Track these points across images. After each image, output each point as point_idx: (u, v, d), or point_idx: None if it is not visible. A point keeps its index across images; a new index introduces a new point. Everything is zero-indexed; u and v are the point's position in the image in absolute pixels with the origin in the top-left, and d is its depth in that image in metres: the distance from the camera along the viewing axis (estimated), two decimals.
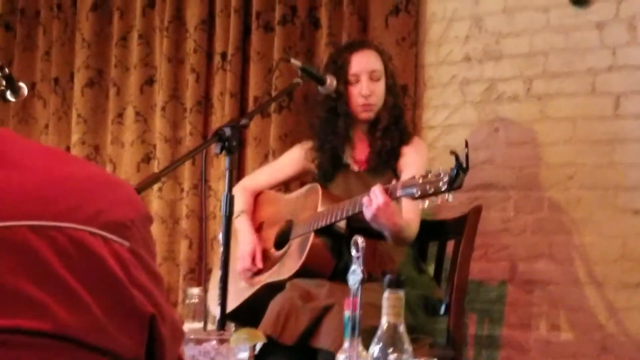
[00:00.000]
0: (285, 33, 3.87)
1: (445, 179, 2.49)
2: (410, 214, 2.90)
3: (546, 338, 3.39)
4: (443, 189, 2.51)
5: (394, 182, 2.74)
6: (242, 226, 3.22)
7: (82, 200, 0.97)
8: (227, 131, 2.45)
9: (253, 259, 3.16)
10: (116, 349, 0.97)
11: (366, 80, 3.13)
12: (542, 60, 3.46)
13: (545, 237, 3.43)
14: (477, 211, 3.19)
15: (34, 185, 0.94)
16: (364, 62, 3.15)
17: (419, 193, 2.57)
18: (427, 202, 2.59)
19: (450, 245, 3.24)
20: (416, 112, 3.70)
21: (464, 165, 2.45)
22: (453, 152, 2.49)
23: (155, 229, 3.99)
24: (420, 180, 2.58)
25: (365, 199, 2.74)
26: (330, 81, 3.02)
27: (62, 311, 0.92)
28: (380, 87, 3.15)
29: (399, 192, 2.67)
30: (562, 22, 3.42)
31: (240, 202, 3.17)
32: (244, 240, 3.19)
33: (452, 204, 3.54)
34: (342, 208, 2.90)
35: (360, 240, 1.66)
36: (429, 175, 2.56)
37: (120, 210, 1.00)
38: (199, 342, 1.45)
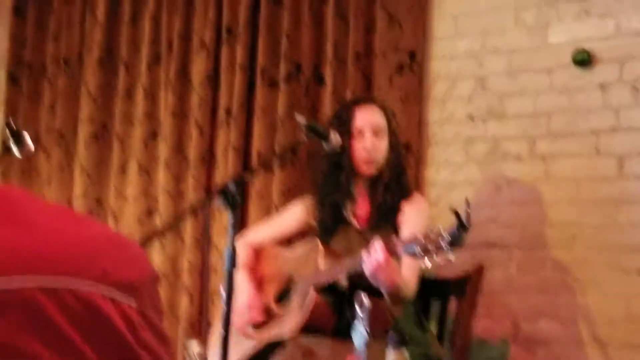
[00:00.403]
0: (290, 89, 3.89)
1: (447, 237, 2.49)
2: (408, 273, 2.88)
3: None
4: (444, 248, 2.50)
5: (394, 238, 2.73)
6: (240, 280, 3.20)
7: (91, 259, 0.97)
8: (231, 187, 2.46)
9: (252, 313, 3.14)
10: None
11: (370, 136, 3.14)
12: (545, 120, 3.48)
13: (548, 297, 3.41)
14: (479, 270, 3.17)
15: (44, 244, 0.95)
16: (368, 117, 3.16)
17: (420, 250, 2.57)
18: (427, 261, 2.58)
19: (452, 303, 3.22)
20: (419, 169, 3.71)
21: (465, 223, 2.45)
22: (454, 211, 2.49)
23: None
24: (422, 239, 2.57)
25: (364, 255, 2.73)
26: (335, 138, 3.02)
27: None
28: (383, 144, 3.16)
29: (399, 249, 2.66)
30: (565, 83, 3.45)
31: (241, 256, 3.16)
32: (242, 293, 3.17)
33: (455, 263, 3.54)
34: (343, 265, 2.88)
35: (365, 299, 1.65)
36: (430, 234, 2.56)
37: (129, 271, 1.00)
38: None
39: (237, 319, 3.13)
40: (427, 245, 2.54)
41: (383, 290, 2.83)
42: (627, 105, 3.33)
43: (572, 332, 3.35)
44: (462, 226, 2.45)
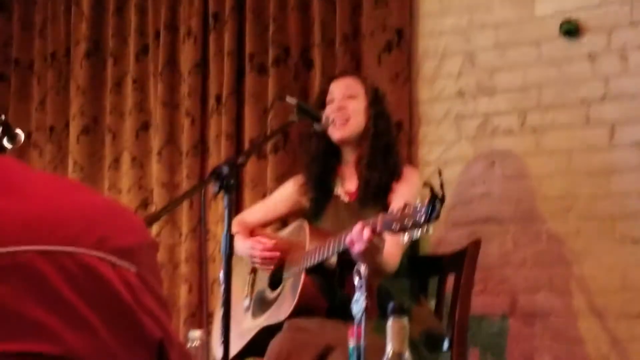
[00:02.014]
0: (279, 74, 3.89)
1: (423, 211, 2.49)
2: (391, 249, 2.89)
3: None
4: (421, 221, 2.50)
5: (373, 218, 2.73)
6: (237, 239, 3.13)
7: (89, 226, 0.97)
8: (225, 170, 2.46)
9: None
10: None
11: (340, 97, 3.14)
12: (535, 93, 3.49)
13: (544, 270, 3.42)
14: (476, 245, 3.18)
15: (41, 212, 0.95)
16: (341, 85, 3.18)
17: (398, 227, 2.57)
18: (406, 236, 2.59)
19: (450, 280, 3.22)
20: (412, 148, 3.71)
21: (440, 195, 2.46)
22: (427, 184, 2.50)
23: None
24: (399, 215, 2.58)
25: (348, 239, 2.73)
26: (325, 118, 3.03)
27: (71, 335, 0.92)
28: (355, 104, 3.14)
29: (379, 227, 2.66)
30: (554, 55, 3.45)
31: (236, 227, 3.17)
32: (243, 243, 3.17)
33: (451, 239, 3.56)
34: (328, 246, 2.89)
35: (363, 268, 1.66)
36: (407, 209, 2.57)
37: (127, 236, 1.00)
38: None
39: (252, 252, 3.14)
40: (404, 220, 2.55)
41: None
42: (616, 74, 3.33)
43: (569, 303, 3.37)
44: (437, 198, 2.46)
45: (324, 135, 3.15)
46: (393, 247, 2.89)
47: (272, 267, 3.18)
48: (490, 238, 3.49)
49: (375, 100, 3.19)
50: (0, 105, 4.63)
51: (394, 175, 3.11)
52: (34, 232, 0.93)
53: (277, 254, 3.15)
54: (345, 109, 3.11)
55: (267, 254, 3.16)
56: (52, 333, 0.91)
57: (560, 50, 3.44)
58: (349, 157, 3.19)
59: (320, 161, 3.20)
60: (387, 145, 3.15)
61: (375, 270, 2.82)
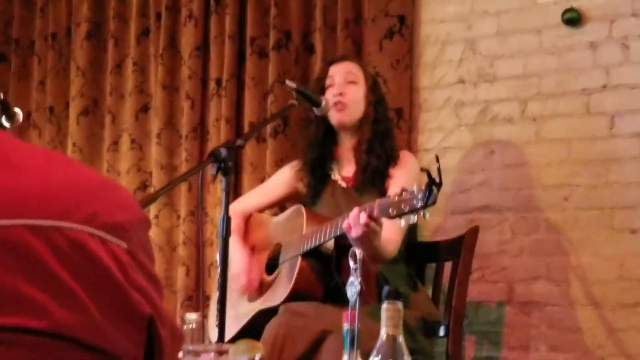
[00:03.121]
0: (279, 58, 3.88)
1: (420, 196, 2.49)
2: (390, 234, 2.88)
3: (545, 359, 3.38)
4: (418, 206, 2.50)
5: (370, 203, 2.73)
6: (232, 246, 3.19)
7: (79, 201, 0.96)
8: (223, 152, 2.45)
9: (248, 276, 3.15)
10: (114, 349, 0.97)
11: (340, 82, 3.14)
12: (536, 81, 3.48)
13: (542, 258, 3.42)
14: (474, 233, 3.18)
15: (31, 186, 0.94)
16: (340, 68, 3.17)
17: (395, 212, 2.57)
18: (403, 221, 2.59)
19: (447, 267, 3.23)
20: (411, 135, 3.71)
21: (437, 180, 2.46)
22: (424, 169, 2.50)
23: None
24: (396, 199, 2.58)
25: (345, 224, 2.73)
26: (325, 103, 3.02)
27: (59, 310, 0.91)
28: (355, 90, 3.14)
29: (376, 212, 2.66)
30: (555, 43, 3.44)
31: (232, 223, 3.17)
32: (236, 258, 3.17)
33: (449, 227, 3.56)
34: (325, 230, 2.89)
35: (358, 251, 1.65)
36: (404, 194, 2.56)
37: (118, 213, 0.99)
38: (197, 354, 1.44)
39: (234, 283, 3.14)
40: (401, 205, 2.55)
41: (364, 253, 2.84)
42: (617, 63, 3.32)
43: (566, 292, 3.37)
44: (434, 183, 2.46)
45: (322, 120, 3.15)
46: (392, 233, 2.89)
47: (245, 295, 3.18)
48: (489, 226, 3.49)
49: (374, 87, 3.19)
50: (0, 85, 4.62)
51: (391, 160, 3.11)
52: (23, 206, 0.92)
53: (255, 292, 3.15)
54: (345, 94, 3.11)
55: (248, 289, 3.15)
56: (39, 307, 0.90)
57: (562, 38, 3.43)
58: (347, 142, 3.18)
59: (318, 146, 3.19)
60: (386, 131, 3.15)
61: (374, 255, 2.82)
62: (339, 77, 3.14)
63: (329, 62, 3.30)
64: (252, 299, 3.17)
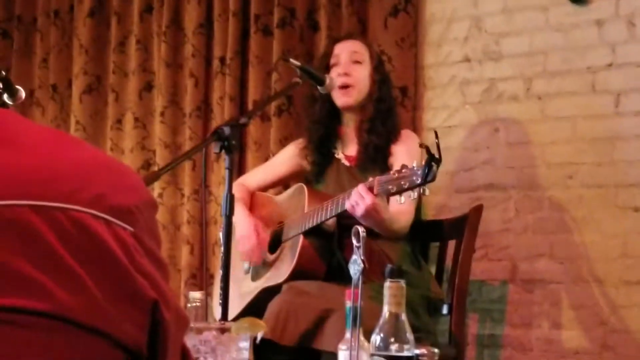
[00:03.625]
0: (284, 36, 3.86)
1: (419, 172, 2.49)
2: (401, 206, 2.88)
3: (548, 337, 3.38)
4: (418, 182, 2.51)
5: (371, 179, 2.73)
6: (237, 212, 3.15)
7: (85, 182, 0.95)
8: (227, 130, 2.45)
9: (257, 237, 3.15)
10: (116, 332, 0.96)
11: (346, 61, 3.12)
12: (541, 59, 3.46)
13: (546, 237, 3.42)
14: (477, 211, 3.18)
15: (36, 166, 0.93)
16: (345, 48, 3.16)
17: (395, 189, 2.58)
18: (403, 198, 2.60)
19: (451, 245, 3.23)
20: (416, 114, 3.69)
21: (436, 156, 2.45)
22: (423, 145, 2.51)
23: None
24: (395, 176, 2.58)
25: (347, 205, 2.73)
26: (330, 81, 3.01)
27: (61, 292, 0.90)
28: (361, 71, 3.14)
29: (376, 189, 2.67)
30: (561, 21, 3.42)
31: (236, 194, 3.16)
32: (241, 221, 3.16)
33: (453, 206, 3.56)
34: (327, 208, 2.89)
35: (361, 229, 1.65)
36: (404, 170, 2.57)
37: (125, 195, 0.98)
38: (199, 331, 1.44)
39: (240, 245, 3.13)
40: (401, 182, 2.55)
41: (376, 230, 2.84)
42: (623, 41, 3.30)
43: (569, 270, 3.37)
44: (433, 160, 2.45)
45: (327, 99, 3.14)
46: (403, 205, 2.89)
47: (250, 260, 3.17)
48: (493, 204, 3.48)
49: (379, 65, 3.18)
50: (3, 62, 4.61)
51: (391, 138, 3.11)
52: (28, 187, 0.91)
53: (260, 258, 3.14)
54: (350, 75, 3.10)
55: (254, 252, 3.14)
56: (42, 289, 0.90)
57: (568, 16, 3.41)
58: (351, 121, 3.18)
59: (322, 125, 3.19)
60: (389, 110, 3.15)
61: (385, 229, 2.84)
62: (345, 56, 3.13)
63: (334, 40, 3.29)
64: (257, 267, 3.18)
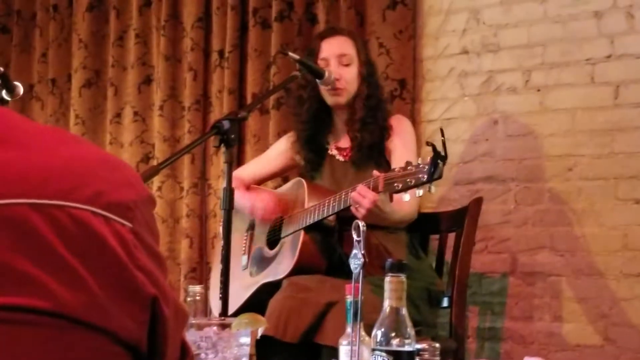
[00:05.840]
0: (282, 29, 3.86)
1: (425, 170, 2.48)
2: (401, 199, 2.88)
3: (548, 329, 3.38)
4: (424, 180, 2.49)
5: (375, 174, 2.72)
6: (237, 195, 3.13)
7: (83, 180, 0.95)
8: (226, 124, 2.45)
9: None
10: (117, 329, 0.96)
11: (335, 65, 3.11)
12: (540, 51, 3.46)
13: (546, 229, 3.42)
14: (477, 203, 3.18)
15: (35, 164, 0.93)
16: (333, 47, 3.14)
17: (400, 186, 2.57)
18: (408, 195, 2.58)
19: (450, 238, 3.23)
20: (415, 106, 3.69)
21: (442, 154, 2.44)
22: (429, 143, 2.49)
23: None
24: (401, 173, 2.57)
25: (352, 200, 2.72)
26: (329, 75, 3.01)
27: (61, 289, 0.90)
28: (350, 72, 3.12)
29: (380, 187, 2.66)
30: (559, 12, 3.42)
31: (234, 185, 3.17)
32: (243, 196, 3.16)
33: (453, 198, 3.55)
34: (329, 205, 2.88)
35: (361, 224, 1.65)
36: (409, 168, 2.55)
37: (123, 192, 0.98)
38: (200, 327, 1.44)
39: (259, 213, 3.15)
40: (407, 179, 2.54)
41: (381, 224, 2.85)
42: (622, 32, 3.30)
43: (570, 263, 3.37)
44: (439, 157, 2.44)
45: (316, 99, 3.14)
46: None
47: (272, 218, 3.18)
48: (492, 197, 3.48)
49: (365, 62, 3.16)
50: (2, 57, 4.61)
51: (384, 131, 3.10)
52: (27, 185, 0.91)
53: (274, 207, 3.16)
54: (341, 79, 3.08)
55: (269, 207, 3.16)
56: (41, 287, 0.89)
57: (566, 7, 3.40)
58: (341, 117, 3.18)
59: (312, 124, 3.19)
60: (377, 104, 3.14)
61: (387, 222, 2.84)
62: (333, 61, 3.11)
63: (320, 36, 3.25)
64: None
